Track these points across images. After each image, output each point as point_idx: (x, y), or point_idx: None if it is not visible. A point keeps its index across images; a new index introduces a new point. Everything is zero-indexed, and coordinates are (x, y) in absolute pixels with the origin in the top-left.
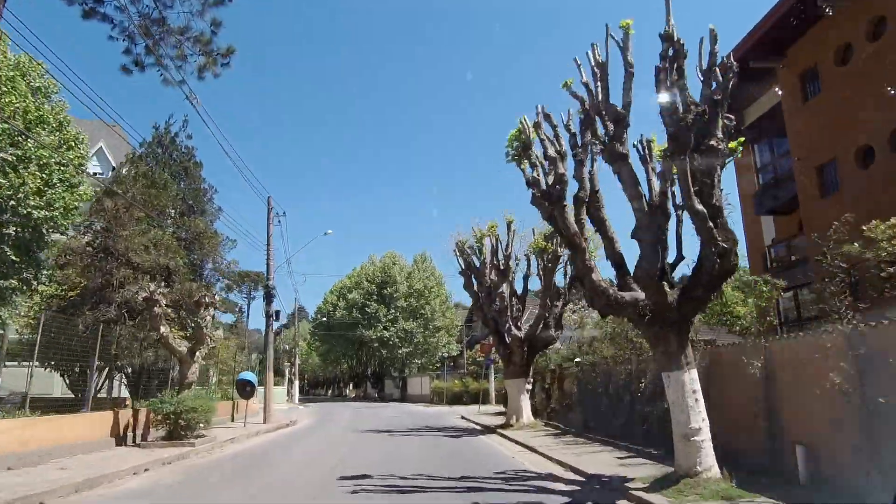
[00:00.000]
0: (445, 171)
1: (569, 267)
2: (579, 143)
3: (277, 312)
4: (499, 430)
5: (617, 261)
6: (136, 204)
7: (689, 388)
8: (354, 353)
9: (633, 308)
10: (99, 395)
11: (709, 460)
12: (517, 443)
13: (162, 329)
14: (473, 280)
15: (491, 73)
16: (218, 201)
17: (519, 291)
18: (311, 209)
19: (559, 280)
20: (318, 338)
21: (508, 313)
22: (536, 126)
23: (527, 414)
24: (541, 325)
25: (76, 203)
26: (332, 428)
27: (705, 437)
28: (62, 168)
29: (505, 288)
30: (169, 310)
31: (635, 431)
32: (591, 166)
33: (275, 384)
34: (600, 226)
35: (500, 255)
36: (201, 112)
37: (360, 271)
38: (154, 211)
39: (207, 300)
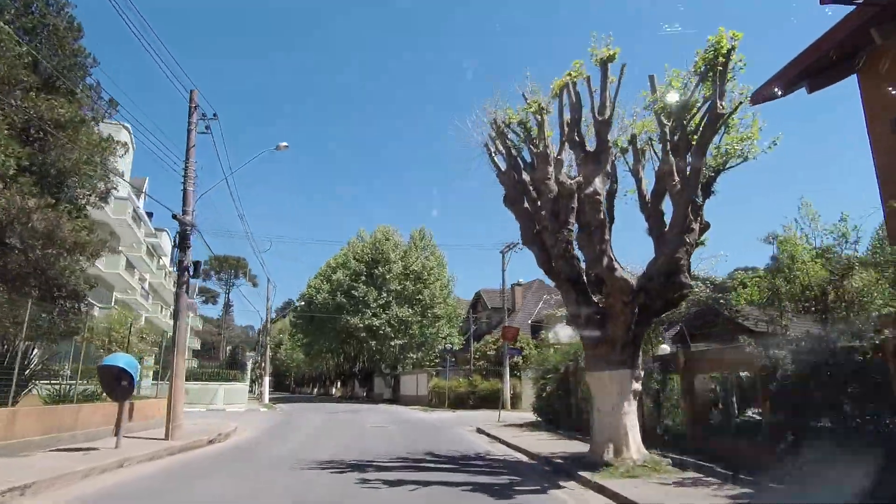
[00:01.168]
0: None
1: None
2: None
3: (196, 265)
4: (585, 476)
5: None
6: None
7: None
8: (340, 346)
9: None
10: None
11: None
12: None
13: None
14: (522, 190)
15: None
16: (132, 106)
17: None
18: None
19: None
20: (299, 328)
21: (605, 237)
22: None
23: (636, 441)
24: (666, 263)
25: None
26: (274, 450)
27: None
28: None
29: (599, 184)
30: None
31: None
32: None
33: (233, 379)
34: None
35: (589, 115)
36: None
37: (347, 249)
38: None
39: None
